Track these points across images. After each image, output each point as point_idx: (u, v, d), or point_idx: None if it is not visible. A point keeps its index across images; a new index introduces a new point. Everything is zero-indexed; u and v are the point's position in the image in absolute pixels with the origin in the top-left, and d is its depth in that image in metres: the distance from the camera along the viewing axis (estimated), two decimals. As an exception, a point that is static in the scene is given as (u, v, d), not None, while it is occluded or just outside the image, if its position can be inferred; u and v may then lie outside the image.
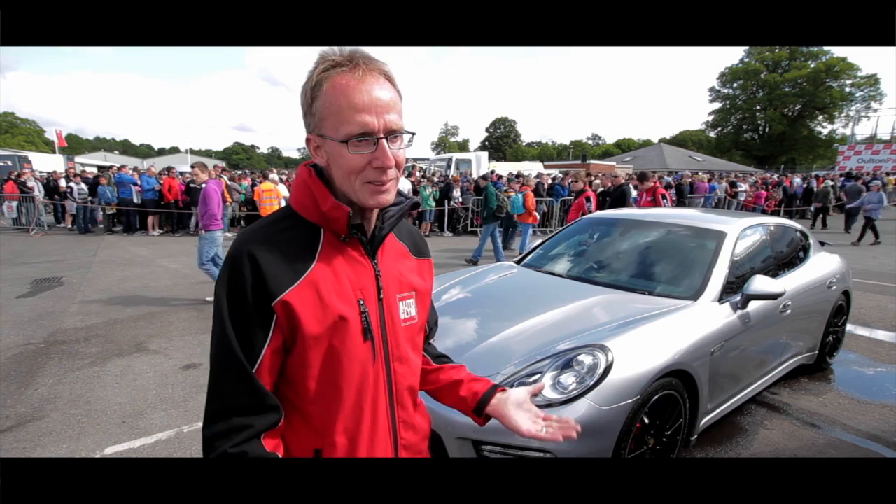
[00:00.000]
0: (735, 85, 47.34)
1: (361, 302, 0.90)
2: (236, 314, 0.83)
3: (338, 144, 0.83)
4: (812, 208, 16.26)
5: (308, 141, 0.89)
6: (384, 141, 0.83)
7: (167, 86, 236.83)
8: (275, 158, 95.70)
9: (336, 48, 0.85)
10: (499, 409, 1.09)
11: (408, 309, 0.99)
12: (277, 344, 0.85)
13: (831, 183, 17.80)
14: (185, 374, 4.04)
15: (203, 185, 6.09)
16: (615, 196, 7.95)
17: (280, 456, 0.86)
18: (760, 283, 2.92)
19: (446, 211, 13.71)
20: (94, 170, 17.78)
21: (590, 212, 7.27)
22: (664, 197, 6.59)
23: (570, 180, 8.49)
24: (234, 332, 0.83)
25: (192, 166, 6.32)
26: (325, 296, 0.86)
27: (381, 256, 0.96)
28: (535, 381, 2.23)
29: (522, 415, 1.08)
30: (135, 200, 12.68)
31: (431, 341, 1.22)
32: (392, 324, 0.95)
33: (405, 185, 13.24)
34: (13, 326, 5.19)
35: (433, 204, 13.56)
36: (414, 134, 0.89)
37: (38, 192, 13.53)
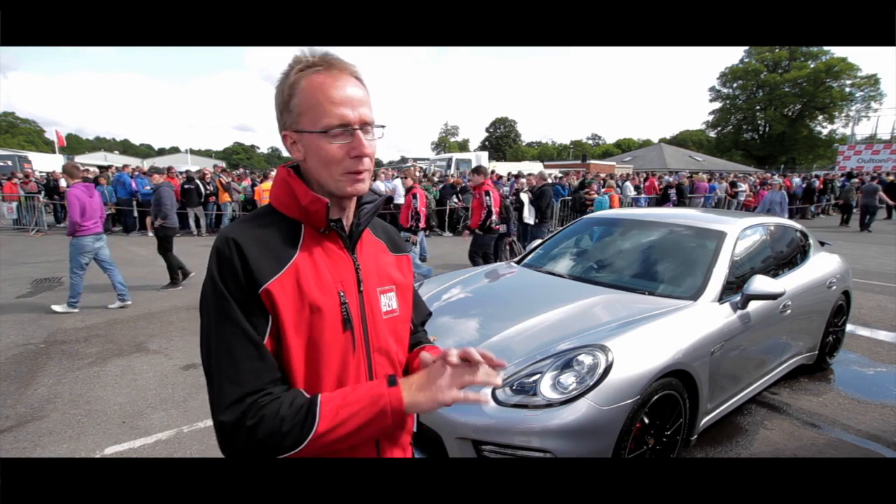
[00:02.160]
0: (735, 85, 47.29)
1: (342, 293, 0.93)
2: (236, 298, 0.85)
3: (317, 136, 0.89)
4: (832, 204, 16.27)
5: (284, 137, 0.94)
6: (359, 131, 0.89)
7: (167, 86, 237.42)
8: (275, 158, 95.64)
9: (308, 50, 0.91)
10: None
11: (389, 302, 1.03)
12: (273, 329, 0.88)
13: (855, 181, 17.81)
14: (185, 374, 4.03)
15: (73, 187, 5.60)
16: (536, 195, 8.27)
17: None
18: (760, 283, 2.92)
19: (447, 211, 13.70)
20: (96, 170, 17.78)
21: (416, 209, 7.15)
22: (488, 194, 6.38)
23: (400, 176, 8.37)
24: (242, 312, 0.84)
25: (63, 168, 6.02)
26: (305, 286, 0.89)
27: (360, 251, 1.01)
28: (535, 381, 2.23)
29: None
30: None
31: (426, 331, 1.24)
32: (372, 315, 0.98)
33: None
34: (13, 326, 5.19)
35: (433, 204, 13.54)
36: (384, 127, 0.96)
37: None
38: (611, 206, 9.35)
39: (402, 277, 1.09)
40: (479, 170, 6.86)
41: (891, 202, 15.61)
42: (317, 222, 0.94)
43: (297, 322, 0.88)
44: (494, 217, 6.44)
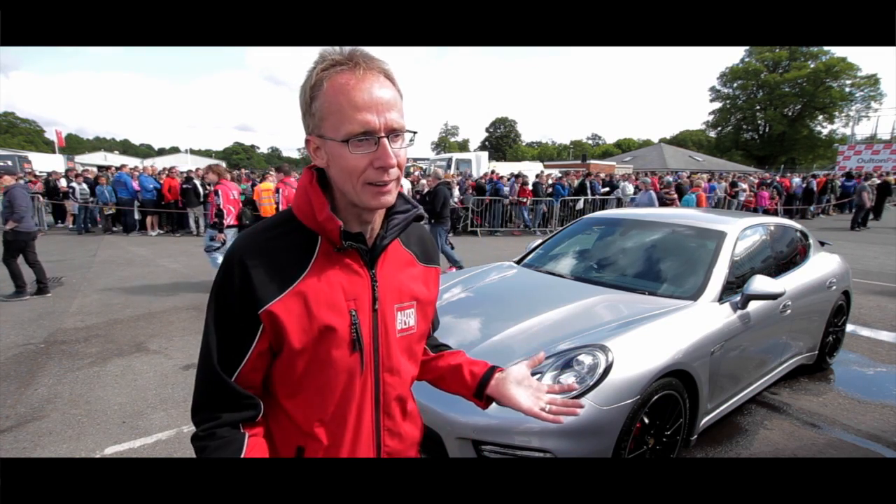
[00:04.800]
0: (735, 85, 47.28)
1: (353, 312, 0.89)
2: (222, 319, 0.85)
3: (338, 145, 0.81)
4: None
5: (307, 142, 0.88)
6: (385, 140, 0.81)
7: (167, 86, 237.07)
8: (275, 158, 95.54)
9: (336, 47, 0.84)
10: (498, 389, 1.08)
11: (406, 319, 0.98)
12: (263, 347, 0.86)
13: (868, 182, 17.91)
14: (185, 374, 4.03)
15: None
16: (431, 196, 8.17)
17: (252, 439, 0.88)
18: (760, 282, 2.92)
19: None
20: (95, 170, 17.78)
21: (219, 206, 6.53)
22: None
23: (203, 173, 7.83)
24: (217, 339, 0.85)
25: None
26: (313, 306, 0.86)
27: (382, 265, 0.95)
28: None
29: (522, 392, 1.07)
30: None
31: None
32: (385, 334, 0.94)
33: (405, 185, 13.24)
34: (13, 326, 5.19)
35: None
36: (415, 133, 0.87)
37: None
38: (697, 206, 9.07)
39: (425, 291, 1.04)
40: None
41: (868, 203, 15.63)
42: (332, 240, 0.89)
43: (303, 341, 0.85)
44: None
